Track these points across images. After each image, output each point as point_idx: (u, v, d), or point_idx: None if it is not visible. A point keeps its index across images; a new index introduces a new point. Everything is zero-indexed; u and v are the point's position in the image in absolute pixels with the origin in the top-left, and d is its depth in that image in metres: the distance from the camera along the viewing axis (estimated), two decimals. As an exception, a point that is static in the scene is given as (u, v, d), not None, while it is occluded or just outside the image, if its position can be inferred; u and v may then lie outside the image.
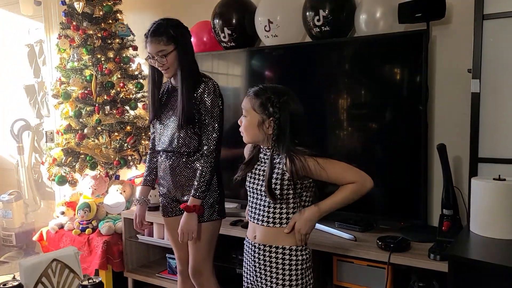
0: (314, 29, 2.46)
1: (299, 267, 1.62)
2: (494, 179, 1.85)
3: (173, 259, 2.82)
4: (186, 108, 1.99)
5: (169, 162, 2.11)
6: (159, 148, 2.15)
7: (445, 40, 2.30)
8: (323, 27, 2.42)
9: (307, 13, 2.47)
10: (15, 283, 1.33)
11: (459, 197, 2.15)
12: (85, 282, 1.36)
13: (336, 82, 2.48)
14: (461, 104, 2.21)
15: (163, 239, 2.83)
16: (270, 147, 1.63)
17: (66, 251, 1.55)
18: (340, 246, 2.16)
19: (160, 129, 2.14)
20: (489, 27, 1.99)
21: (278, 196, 1.60)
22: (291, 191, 1.61)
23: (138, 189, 2.32)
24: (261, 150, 1.71)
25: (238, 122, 1.69)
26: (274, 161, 1.61)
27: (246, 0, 2.79)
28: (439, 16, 2.17)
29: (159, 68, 2.05)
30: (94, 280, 1.38)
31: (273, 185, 1.59)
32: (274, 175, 1.60)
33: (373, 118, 2.39)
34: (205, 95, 2.00)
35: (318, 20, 2.41)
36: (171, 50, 1.99)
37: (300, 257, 1.63)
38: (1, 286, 1.32)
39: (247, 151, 1.80)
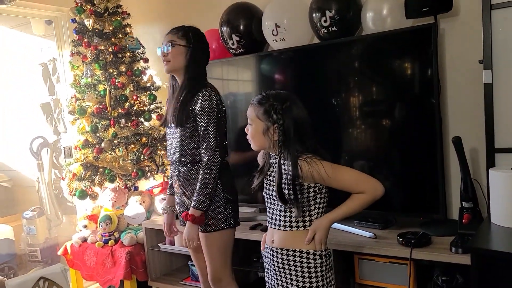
0: (322, 30, 2.48)
1: (319, 269, 1.63)
2: (512, 169, 1.85)
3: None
4: (178, 109, 2.04)
5: (176, 171, 2.16)
6: (168, 159, 2.24)
7: (453, 32, 2.30)
8: (330, 28, 2.44)
9: (314, 15, 2.49)
10: None
11: (477, 189, 2.14)
12: None
13: (348, 81, 2.48)
14: (474, 95, 2.21)
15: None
16: (277, 153, 1.65)
17: (53, 268, 1.57)
18: (361, 245, 2.16)
19: (168, 140, 2.21)
20: (497, 17, 1.99)
21: (289, 201, 1.61)
22: (304, 195, 1.62)
23: (165, 199, 2.41)
24: (271, 156, 1.73)
25: (245, 130, 1.72)
26: (282, 167, 1.63)
27: (252, 6, 2.81)
28: (447, 9, 2.17)
29: (162, 59, 2.11)
30: None
31: (283, 190, 1.61)
32: (283, 180, 1.62)
33: (387, 115, 2.39)
34: (202, 106, 2.02)
35: (325, 21, 2.42)
36: (181, 44, 2.07)
37: (318, 260, 1.64)
38: None
39: (260, 159, 1.82)
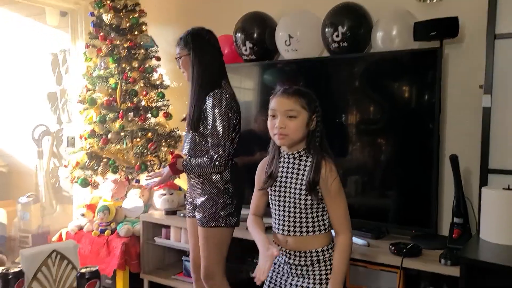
0: (333, 44, 2.59)
1: (328, 262, 1.69)
2: (503, 189, 1.95)
3: (189, 261, 2.91)
4: (192, 114, 2.11)
5: None
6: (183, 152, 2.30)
7: (457, 57, 2.43)
8: (341, 43, 2.55)
9: (326, 29, 2.61)
10: (16, 269, 1.41)
11: (468, 207, 2.24)
12: (83, 270, 1.45)
13: (354, 95, 2.60)
14: (472, 118, 2.33)
15: (180, 242, 2.93)
16: (308, 146, 1.64)
17: (66, 243, 1.63)
18: (354, 250, 2.22)
19: (185, 135, 2.28)
20: (500, 46, 2.12)
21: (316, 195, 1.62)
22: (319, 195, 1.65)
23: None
24: (281, 156, 1.70)
25: (281, 125, 1.59)
26: (311, 160, 1.64)
27: (267, 16, 2.93)
28: (453, 35, 2.30)
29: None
30: (91, 268, 1.48)
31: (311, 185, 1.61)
32: (312, 175, 1.61)
33: (387, 130, 2.50)
34: (211, 104, 2.06)
35: (337, 36, 2.54)
36: (184, 55, 2.16)
37: (332, 252, 1.69)
38: (3, 271, 1.39)
39: (261, 172, 1.77)
